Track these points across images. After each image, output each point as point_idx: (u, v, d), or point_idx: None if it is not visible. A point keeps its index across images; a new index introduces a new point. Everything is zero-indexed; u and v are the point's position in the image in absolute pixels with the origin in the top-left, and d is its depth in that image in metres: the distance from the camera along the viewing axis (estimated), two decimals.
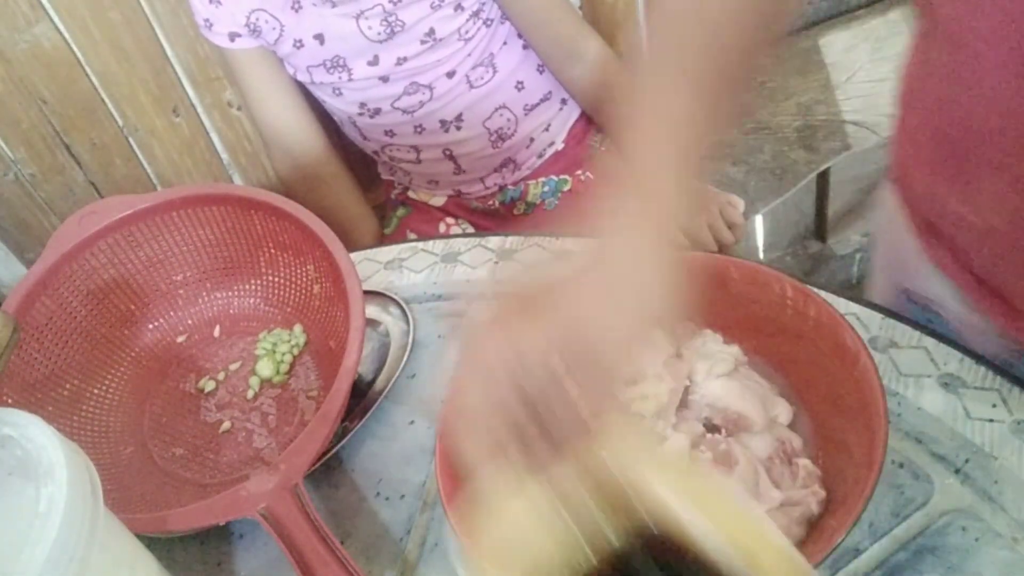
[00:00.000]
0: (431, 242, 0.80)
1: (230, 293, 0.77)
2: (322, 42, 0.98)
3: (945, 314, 0.61)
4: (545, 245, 0.75)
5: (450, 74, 1.03)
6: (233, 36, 0.99)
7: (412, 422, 0.65)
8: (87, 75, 1.27)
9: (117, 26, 1.24)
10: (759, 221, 1.57)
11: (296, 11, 0.96)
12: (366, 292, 0.64)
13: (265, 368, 0.72)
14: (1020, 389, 0.55)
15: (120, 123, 1.34)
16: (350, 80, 1.02)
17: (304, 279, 0.73)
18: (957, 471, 0.52)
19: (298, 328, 0.74)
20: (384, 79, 1.01)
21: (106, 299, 0.72)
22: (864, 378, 0.48)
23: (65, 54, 1.24)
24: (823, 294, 0.55)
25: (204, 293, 0.77)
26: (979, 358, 0.57)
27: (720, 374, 0.54)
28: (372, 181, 1.27)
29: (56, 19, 1.21)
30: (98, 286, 0.72)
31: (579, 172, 1.14)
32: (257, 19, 0.97)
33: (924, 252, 0.60)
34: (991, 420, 0.54)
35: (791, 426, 0.53)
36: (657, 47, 0.46)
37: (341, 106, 1.07)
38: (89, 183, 1.38)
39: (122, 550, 0.43)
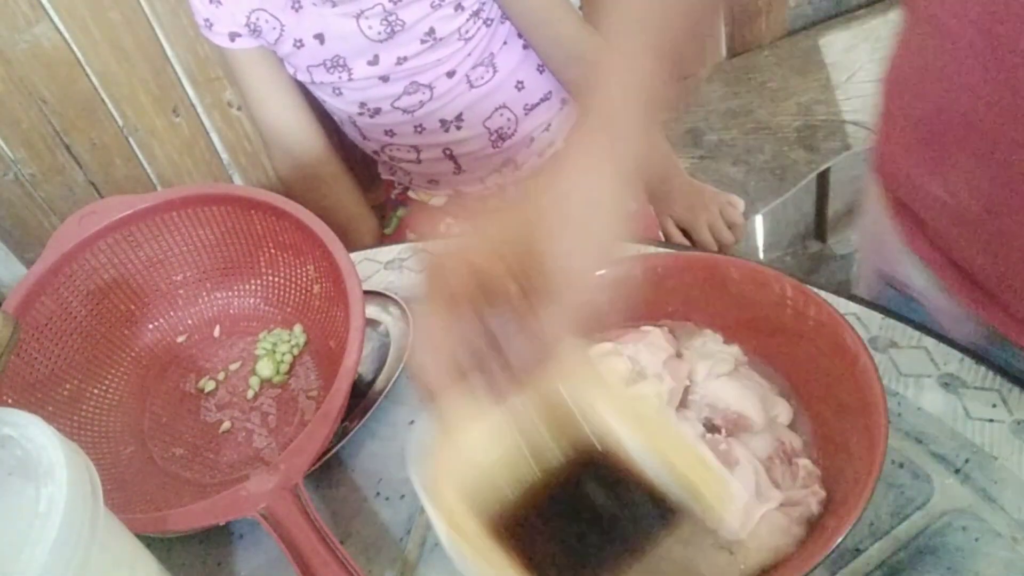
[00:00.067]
0: (431, 242, 0.80)
1: (230, 293, 0.77)
2: (322, 42, 0.98)
3: (923, 300, 0.62)
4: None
5: (450, 74, 1.03)
6: (233, 36, 0.99)
7: (412, 422, 0.65)
8: (87, 75, 1.27)
9: (117, 26, 1.24)
10: (759, 221, 1.56)
11: (296, 11, 0.96)
12: (366, 292, 0.64)
13: (265, 368, 0.72)
14: (1020, 389, 0.55)
15: (120, 123, 1.34)
16: (350, 80, 1.02)
17: (304, 279, 0.73)
18: (957, 471, 0.52)
19: (298, 328, 0.74)
20: (384, 79, 1.01)
21: (106, 299, 0.72)
22: (864, 378, 0.48)
23: (65, 54, 1.24)
24: (823, 294, 0.55)
25: (204, 293, 0.77)
26: (979, 358, 0.57)
27: (720, 374, 0.54)
28: (372, 181, 1.27)
29: (56, 19, 1.21)
30: (98, 286, 0.72)
31: None
32: (257, 19, 0.97)
33: (903, 239, 0.61)
34: (991, 420, 0.54)
35: (791, 426, 0.53)
36: (616, 20, 0.48)
37: (341, 106, 1.07)
38: (89, 183, 1.38)
39: (122, 550, 0.43)
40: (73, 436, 0.60)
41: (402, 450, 0.63)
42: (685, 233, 1.19)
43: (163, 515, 0.55)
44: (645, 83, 0.46)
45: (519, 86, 1.07)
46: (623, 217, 0.42)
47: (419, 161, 1.12)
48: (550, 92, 1.10)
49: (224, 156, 1.44)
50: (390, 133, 1.09)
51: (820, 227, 1.66)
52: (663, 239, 1.17)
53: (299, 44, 0.99)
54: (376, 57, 0.99)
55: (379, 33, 0.96)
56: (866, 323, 0.61)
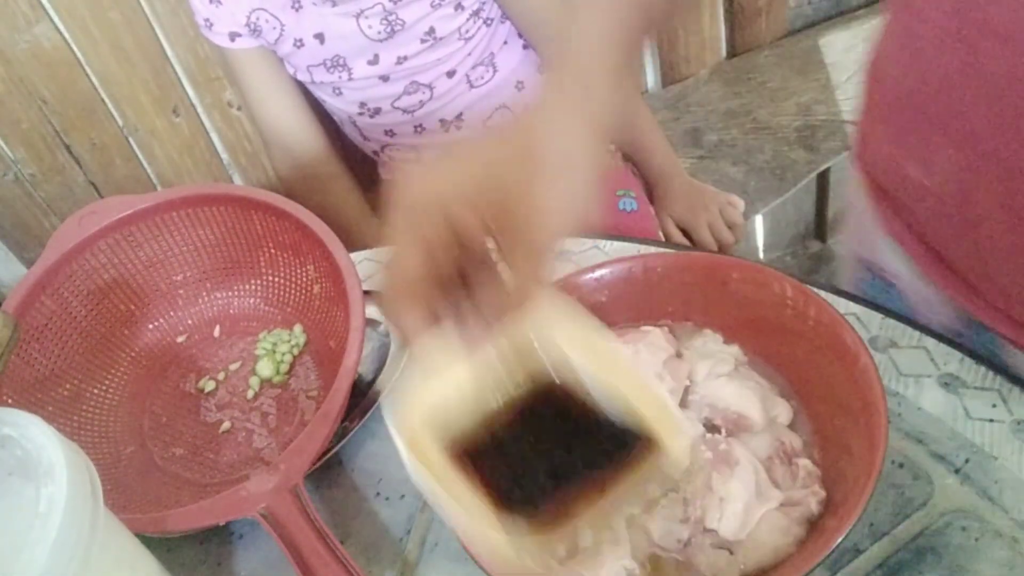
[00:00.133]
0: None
1: (230, 293, 0.77)
2: (322, 41, 0.98)
3: (901, 286, 0.63)
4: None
5: (450, 73, 1.03)
6: (233, 36, 0.99)
7: None
8: (87, 75, 1.27)
9: (117, 26, 1.24)
10: (759, 221, 1.57)
11: (296, 10, 0.96)
12: (366, 292, 0.64)
13: (265, 368, 0.72)
14: (1020, 389, 0.55)
15: (120, 123, 1.34)
16: (350, 79, 1.02)
17: (304, 279, 0.73)
18: (957, 471, 0.52)
19: (298, 328, 0.74)
20: (384, 78, 1.01)
21: (106, 299, 0.72)
22: (864, 378, 0.48)
23: (65, 54, 1.24)
24: (823, 294, 0.55)
25: (204, 293, 0.77)
26: (979, 358, 0.57)
27: (720, 374, 0.54)
28: (372, 181, 1.27)
29: (56, 19, 1.21)
30: (98, 286, 0.72)
31: None
32: (257, 18, 0.97)
33: (881, 224, 0.61)
34: (991, 420, 0.54)
35: (791, 426, 0.53)
36: None
37: (341, 106, 1.07)
38: (89, 183, 1.38)
39: (122, 550, 0.43)
40: (73, 436, 0.60)
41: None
42: (685, 233, 1.19)
43: (163, 515, 0.55)
44: (619, 36, 0.46)
45: (519, 86, 1.07)
46: (596, 169, 0.43)
47: (419, 161, 1.12)
48: None
49: (224, 156, 1.44)
50: (390, 133, 1.09)
51: (820, 227, 1.67)
52: (663, 239, 1.17)
53: (299, 44, 0.99)
54: (376, 57, 0.99)
55: (379, 33, 0.96)
56: (866, 323, 0.61)
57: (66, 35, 1.23)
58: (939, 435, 0.54)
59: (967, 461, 0.52)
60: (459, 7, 0.98)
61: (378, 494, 0.61)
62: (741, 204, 1.19)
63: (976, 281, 0.54)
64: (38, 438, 0.39)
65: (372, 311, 0.72)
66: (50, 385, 0.67)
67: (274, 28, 0.98)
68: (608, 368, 0.41)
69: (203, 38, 1.02)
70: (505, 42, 1.06)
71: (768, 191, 1.35)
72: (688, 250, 0.78)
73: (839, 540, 0.42)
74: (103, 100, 1.31)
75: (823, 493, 0.48)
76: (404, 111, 1.04)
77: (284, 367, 0.72)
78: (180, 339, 0.76)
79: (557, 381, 0.42)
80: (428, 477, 0.39)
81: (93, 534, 0.38)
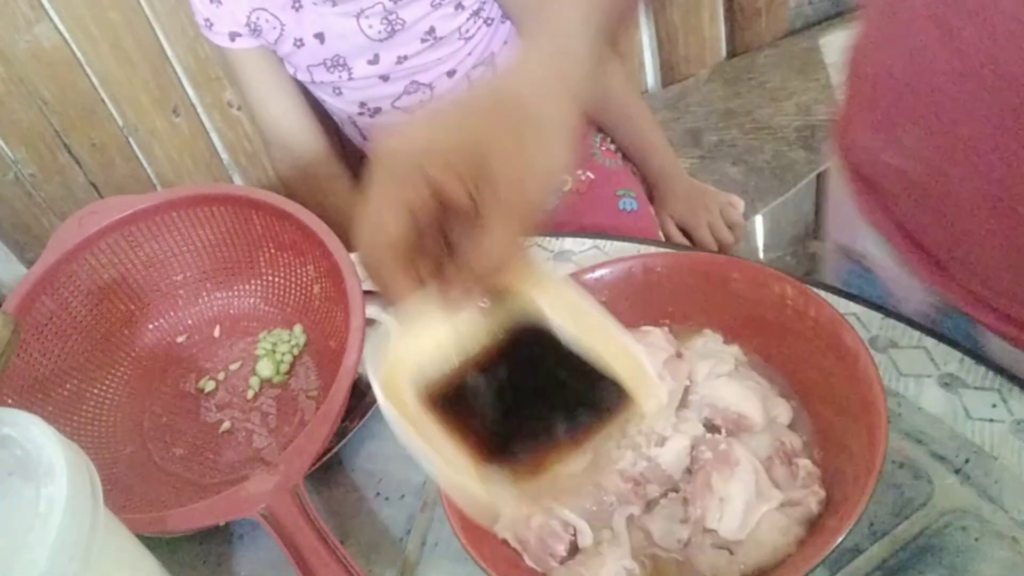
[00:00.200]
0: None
1: (230, 293, 0.77)
2: (322, 41, 0.98)
3: (877, 270, 0.64)
4: (545, 245, 0.75)
5: (450, 73, 1.03)
6: (234, 36, 0.99)
7: None
8: (87, 75, 1.27)
9: (117, 26, 1.24)
10: (759, 221, 1.56)
11: (296, 10, 0.96)
12: (366, 292, 0.64)
13: (265, 368, 0.72)
14: (1020, 389, 0.55)
15: (120, 123, 1.34)
16: (350, 79, 1.02)
17: (304, 279, 0.73)
18: (957, 471, 0.52)
19: (298, 328, 0.74)
20: (384, 78, 1.01)
21: (106, 299, 0.72)
22: (864, 378, 0.48)
23: (65, 54, 1.24)
24: (823, 294, 0.55)
25: (204, 293, 0.77)
26: (979, 358, 0.57)
27: (720, 374, 0.54)
28: None
29: (56, 19, 1.21)
30: (98, 286, 0.72)
31: (579, 172, 1.14)
32: (258, 18, 0.97)
33: (859, 209, 0.62)
34: (991, 420, 0.54)
35: (791, 426, 0.53)
36: None
37: (341, 105, 1.07)
38: (89, 183, 1.38)
39: (122, 550, 0.43)
40: (73, 436, 0.60)
41: (402, 449, 0.63)
42: (685, 233, 1.19)
43: (163, 515, 0.55)
44: (597, 4, 0.47)
45: None
46: (574, 132, 0.43)
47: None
48: None
49: (224, 156, 1.44)
50: None
51: (820, 227, 1.66)
52: (663, 239, 1.17)
53: (299, 43, 0.99)
54: (376, 56, 0.99)
55: (379, 32, 0.96)
56: (866, 323, 0.61)
57: (66, 35, 1.23)
58: (939, 435, 0.54)
59: (967, 461, 0.52)
60: (459, 7, 0.98)
61: (378, 494, 0.61)
62: (741, 204, 1.19)
63: (952, 266, 0.55)
64: (38, 438, 0.39)
65: (372, 311, 0.72)
66: (50, 385, 0.67)
67: (274, 28, 0.98)
68: (586, 327, 0.42)
69: (203, 38, 1.02)
70: (505, 42, 1.06)
71: (768, 191, 1.35)
72: (688, 250, 0.78)
73: (839, 540, 0.42)
74: (103, 100, 1.31)
75: (823, 493, 0.48)
76: (404, 111, 1.04)
77: (284, 367, 0.72)
78: (180, 339, 0.76)
79: (536, 337, 0.43)
80: (404, 423, 0.40)
81: (93, 534, 0.38)
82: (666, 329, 0.58)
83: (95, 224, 0.69)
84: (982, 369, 0.56)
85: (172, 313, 0.76)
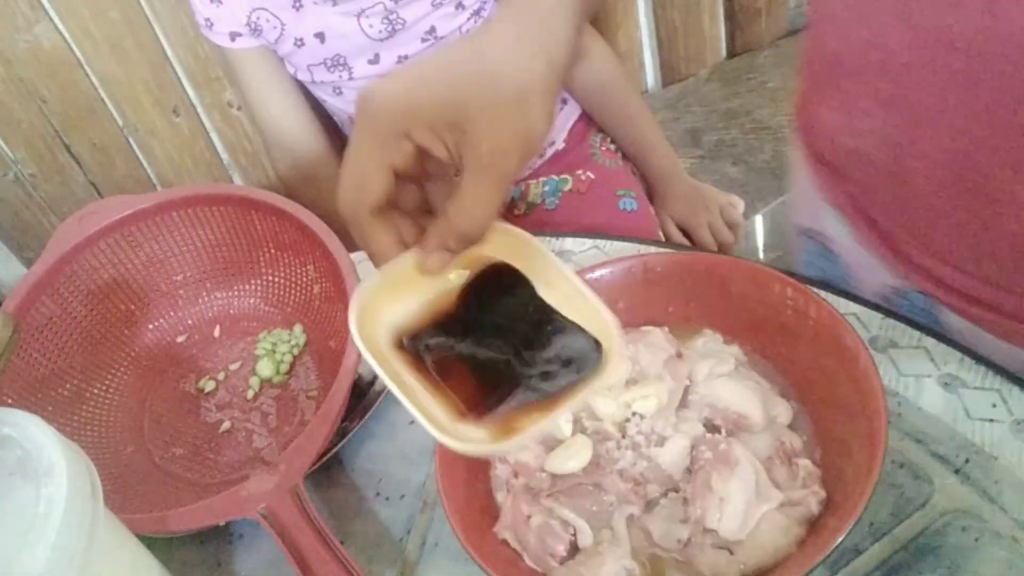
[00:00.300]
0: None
1: (230, 293, 0.77)
2: (323, 41, 0.98)
3: (837, 250, 0.64)
4: (545, 245, 0.75)
5: None
6: (234, 35, 0.99)
7: (412, 422, 0.65)
8: (87, 75, 1.27)
9: (117, 26, 1.24)
10: (759, 221, 1.57)
11: (297, 10, 0.96)
12: None
13: (265, 368, 0.72)
14: (1020, 389, 0.55)
15: (120, 123, 1.34)
16: (351, 79, 1.02)
17: (304, 279, 0.73)
18: (957, 471, 0.52)
19: (298, 328, 0.74)
20: None
21: (106, 299, 0.72)
22: (864, 378, 0.48)
23: (65, 54, 1.24)
24: (823, 294, 0.55)
25: (204, 293, 0.77)
26: (979, 358, 0.57)
27: (720, 374, 0.54)
28: None
29: (56, 19, 1.21)
30: (98, 286, 0.72)
31: (579, 172, 1.14)
32: (258, 18, 0.97)
33: (819, 189, 0.63)
34: (991, 420, 0.54)
35: (791, 426, 0.53)
36: None
37: (342, 105, 1.07)
38: (89, 183, 1.38)
39: (122, 550, 0.43)
40: (73, 436, 0.60)
41: (402, 449, 0.63)
42: (685, 233, 1.19)
43: (163, 515, 0.55)
44: None
45: None
46: (552, 100, 0.43)
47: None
48: None
49: (224, 156, 1.44)
50: None
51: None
52: (663, 239, 1.17)
53: (300, 43, 0.99)
54: (377, 56, 0.99)
55: (380, 32, 0.96)
56: (866, 323, 0.61)
57: (66, 35, 1.23)
58: (939, 435, 0.54)
59: (967, 461, 0.52)
60: (460, 6, 0.98)
61: (378, 494, 0.61)
62: (741, 204, 1.19)
63: (911, 244, 0.56)
64: (38, 438, 0.39)
65: None
66: (50, 385, 0.67)
67: (275, 27, 0.97)
68: (560, 293, 0.43)
69: (203, 38, 1.02)
70: None
71: (768, 191, 1.35)
72: (688, 250, 0.78)
73: (839, 540, 0.42)
74: (103, 100, 1.31)
75: (823, 493, 0.48)
76: None
77: (284, 367, 0.72)
78: (180, 339, 0.76)
79: (512, 290, 0.44)
80: (379, 363, 0.41)
81: (93, 534, 0.38)
82: (666, 329, 0.58)
83: (95, 224, 0.69)
84: (982, 369, 0.56)
85: (172, 313, 0.76)
